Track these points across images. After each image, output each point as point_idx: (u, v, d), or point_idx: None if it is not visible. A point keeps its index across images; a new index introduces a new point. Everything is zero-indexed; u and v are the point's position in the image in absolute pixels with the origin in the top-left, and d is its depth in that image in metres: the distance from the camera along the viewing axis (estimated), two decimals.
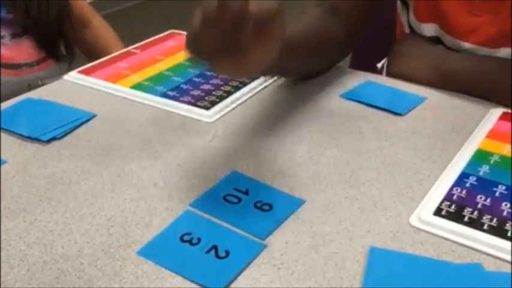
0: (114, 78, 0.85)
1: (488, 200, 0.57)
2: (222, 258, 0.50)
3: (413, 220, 0.55)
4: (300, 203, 0.58)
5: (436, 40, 0.87)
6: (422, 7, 0.88)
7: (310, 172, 0.63)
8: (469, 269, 0.49)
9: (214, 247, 0.51)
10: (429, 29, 0.87)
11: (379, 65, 1.10)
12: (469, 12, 0.82)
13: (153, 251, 0.52)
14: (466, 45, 0.83)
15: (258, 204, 0.57)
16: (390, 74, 0.88)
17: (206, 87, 0.82)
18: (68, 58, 1.15)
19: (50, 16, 1.06)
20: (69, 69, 1.09)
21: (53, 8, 1.06)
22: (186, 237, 0.53)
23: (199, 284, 0.48)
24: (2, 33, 1.02)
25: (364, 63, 1.00)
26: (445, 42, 0.86)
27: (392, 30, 1.02)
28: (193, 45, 0.51)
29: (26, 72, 0.90)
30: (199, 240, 0.52)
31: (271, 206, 0.57)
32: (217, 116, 0.75)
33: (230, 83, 0.83)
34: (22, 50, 1.01)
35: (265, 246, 0.52)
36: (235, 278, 0.48)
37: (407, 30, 0.93)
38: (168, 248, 0.52)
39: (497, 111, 0.74)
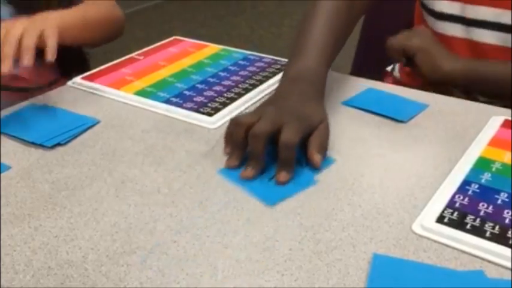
0: (118, 85, 0.86)
1: (491, 208, 0.57)
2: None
3: (416, 227, 0.55)
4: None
5: (453, 18, 0.88)
6: None
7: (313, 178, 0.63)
8: (471, 276, 0.49)
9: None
10: (446, 5, 0.88)
11: (388, 69, 1.10)
12: None
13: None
14: (491, 11, 0.84)
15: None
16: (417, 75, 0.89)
17: (209, 93, 0.82)
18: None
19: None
20: None
21: None
22: None
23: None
24: None
25: (372, 66, 1.00)
26: (466, 16, 0.87)
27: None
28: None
29: (36, 95, 0.87)
30: None
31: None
32: (220, 123, 0.75)
33: (233, 90, 0.83)
34: (39, 73, 0.97)
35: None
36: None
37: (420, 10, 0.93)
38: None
39: (499, 119, 0.74)
